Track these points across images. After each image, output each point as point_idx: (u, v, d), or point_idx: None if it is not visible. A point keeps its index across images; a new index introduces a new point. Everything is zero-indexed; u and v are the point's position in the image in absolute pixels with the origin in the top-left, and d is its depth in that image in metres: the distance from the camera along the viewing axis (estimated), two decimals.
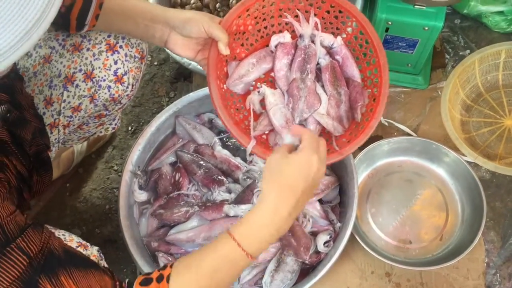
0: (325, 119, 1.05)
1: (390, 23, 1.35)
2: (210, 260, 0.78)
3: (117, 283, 0.77)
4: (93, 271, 0.76)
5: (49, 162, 1.02)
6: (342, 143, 1.04)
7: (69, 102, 1.05)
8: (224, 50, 0.97)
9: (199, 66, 1.43)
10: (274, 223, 0.79)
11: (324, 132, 1.08)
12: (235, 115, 1.04)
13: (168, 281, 0.75)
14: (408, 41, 1.40)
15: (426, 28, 1.32)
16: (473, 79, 1.48)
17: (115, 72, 1.08)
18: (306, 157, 0.80)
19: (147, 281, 0.77)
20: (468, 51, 1.59)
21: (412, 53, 1.45)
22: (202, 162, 1.29)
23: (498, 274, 1.30)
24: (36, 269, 0.70)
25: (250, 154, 1.00)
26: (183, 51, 1.02)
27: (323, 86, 1.08)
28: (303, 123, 1.07)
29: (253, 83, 1.09)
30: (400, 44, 1.42)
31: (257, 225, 0.79)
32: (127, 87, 1.12)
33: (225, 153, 1.32)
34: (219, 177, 1.28)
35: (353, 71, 1.09)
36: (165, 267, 0.79)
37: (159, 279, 0.76)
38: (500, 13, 1.57)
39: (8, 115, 0.86)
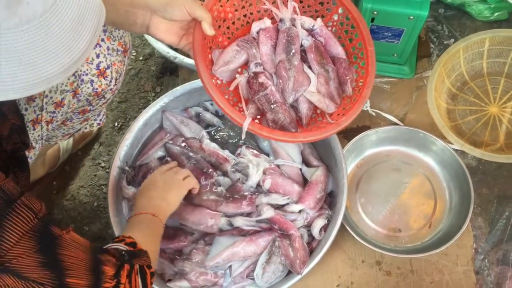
0: (316, 97, 1.06)
1: (375, 12, 1.35)
2: (136, 221, 1.04)
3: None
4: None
5: (25, 162, 1.00)
6: (336, 117, 1.05)
7: (51, 98, 1.03)
8: (209, 30, 0.96)
9: (185, 60, 1.44)
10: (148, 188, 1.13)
11: (316, 112, 1.09)
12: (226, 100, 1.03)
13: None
14: (393, 30, 1.41)
15: (411, 17, 1.32)
16: (458, 68, 1.49)
17: (98, 66, 1.06)
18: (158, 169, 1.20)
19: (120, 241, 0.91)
20: (452, 40, 1.60)
21: (397, 43, 1.45)
22: (191, 154, 1.29)
23: (486, 260, 1.32)
24: (44, 221, 0.74)
25: (246, 133, 0.99)
26: (166, 36, 0.99)
27: (309, 67, 1.08)
28: (294, 104, 1.07)
29: (239, 70, 1.09)
30: (385, 34, 1.43)
31: (144, 201, 1.09)
32: (111, 81, 1.10)
33: (213, 146, 1.32)
34: (208, 169, 1.27)
35: (337, 49, 1.10)
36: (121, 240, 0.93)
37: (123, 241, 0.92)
38: (483, 1, 1.58)
39: None
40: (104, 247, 0.87)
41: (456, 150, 1.34)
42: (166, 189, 1.12)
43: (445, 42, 1.61)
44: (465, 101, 1.50)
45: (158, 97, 1.32)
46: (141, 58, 1.69)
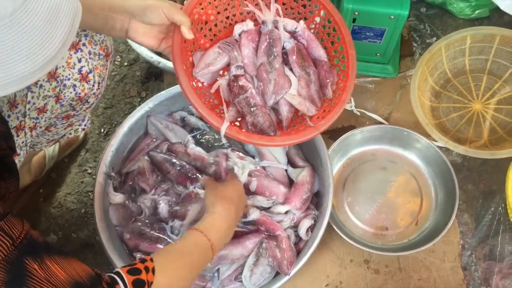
0: (297, 100, 1.06)
1: (356, 13, 1.36)
2: (185, 246, 0.96)
3: (98, 272, 0.79)
4: (74, 259, 0.76)
5: (14, 167, 0.99)
6: (316, 120, 1.05)
7: (34, 103, 1.03)
8: (187, 33, 0.96)
9: (169, 64, 1.44)
10: (225, 219, 1.05)
11: (297, 115, 1.09)
12: (205, 103, 1.03)
13: (154, 273, 0.84)
14: (375, 30, 1.42)
15: (392, 17, 1.34)
16: (441, 66, 1.50)
17: (80, 71, 1.06)
18: (235, 182, 1.19)
19: (135, 271, 0.82)
20: (434, 38, 1.62)
21: (380, 42, 1.46)
22: (175, 160, 1.29)
23: (473, 255, 1.33)
24: (20, 250, 0.69)
25: (225, 137, 0.99)
26: (145, 39, 1.00)
27: (291, 69, 1.09)
28: (275, 106, 1.07)
29: (220, 72, 1.09)
30: (368, 34, 1.44)
31: (213, 221, 1.03)
32: (93, 86, 1.10)
33: (198, 150, 1.32)
34: (194, 174, 1.27)
35: (319, 52, 1.11)
36: (144, 260, 0.85)
37: (147, 270, 0.83)
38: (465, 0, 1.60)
39: None
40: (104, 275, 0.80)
41: (440, 148, 1.35)
42: (240, 207, 1.12)
43: (427, 41, 1.62)
44: (449, 98, 1.51)
45: (143, 102, 1.33)
46: (126, 63, 1.69)
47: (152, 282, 0.82)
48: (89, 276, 0.76)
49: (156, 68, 1.59)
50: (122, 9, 0.95)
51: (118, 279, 0.79)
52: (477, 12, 1.61)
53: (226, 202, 1.07)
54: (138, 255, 1.19)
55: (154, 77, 1.64)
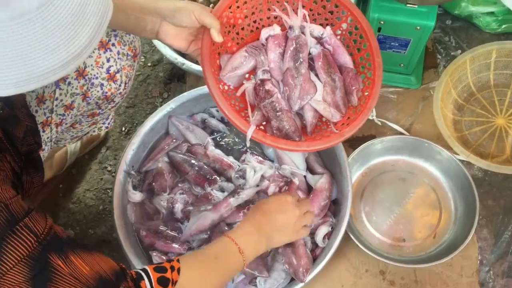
0: (322, 106, 1.06)
1: (382, 22, 1.36)
2: (211, 250, 0.95)
3: (123, 267, 0.80)
4: (98, 254, 0.77)
5: (40, 162, 1.01)
6: (341, 127, 1.05)
7: (61, 100, 1.04)
8: (217, 37, 0.97)
9: (192, 66, 1.45)
10: (256, 228, 1.00)
11: (321, 120, 1.09)
12: (231, 106, 1.04)
13: (179, 273, 0.85)
14: (400, 41, 1.41)
15: (418, 27, 1.33)
16: (465, 79, 1.49)
17: (108, 70, 1.08)
18: (280, 196, 1.09)
19: (161, 269, 0.83)
20: (459, 51, 1.61)
21: (404, 53, 1.46)
22: (194, 161, 1.29)
23: (491, 272, 1.31)
24: (44, 246, 0.71)
25: (250, 140, 1.00)
26: (175, 41, 1.01)
27: (317, 75, 1.09)
28: (300, 111, 1.07)
29: (246, 75, 1.10)
30: (392, 44, 1.43)
31: (244, 230, 1.00)
32: (120, 85, 1.12)
33: (218, 152, 1.32)
34: (212, 176, 1.28)
35: (345, 58, 1.11)
36: (171, 260, 0.87)
37: (172, 269, 0.84)
38: (491, 13, 1.58)
39: (0, 111, 0.86)
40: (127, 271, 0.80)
41: (462, 161, 1.34)
42: (282, 232, 1.04)
43: (452, 53, 1.61)
44: (472, 112, 1.50)
45: (165, 103, 1.34)
46: (149, 64, 1.70)
47: (176, 281, 0.83)
48: (113, 270, 0.77)
49: (179, 70, 1.60)
50: (153, 11, 0.96)
51: (144, 275, 0.80)
52: (503, 26, 1.59)
53: (259, 212, 1.03)
54: (154, 254, 1.20)
55: (176, 79, 1.66)
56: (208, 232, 1.21)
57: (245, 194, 1.21)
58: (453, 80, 1.46)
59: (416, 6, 1.28)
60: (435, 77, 1.57)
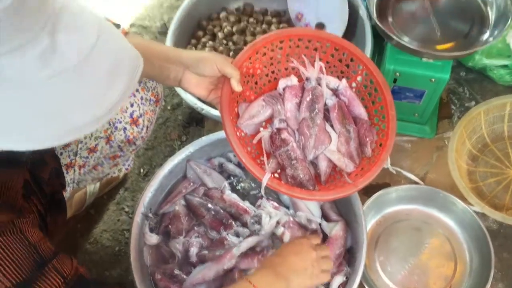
0: (336, 156, 1.08)
1: (398, 74, 1.39)
2: None
3: None
4: None
5: (63, 203, 1.04)
6: (354, 177, 1.07)
7: (85, 143, 1.08)
8: (237, 86, 1.00)
9: (211, 111, 1.49)
10: (273, 273, 1.00)
11: (334, 170, 1.11)
12: (248, 153, 1.06)
13: None
14: (415, 91, 1.44)
15: (433, 79, 1.36)
16: (479, 130, 1.51)
17: (131, 115, 1.12)
18: (296, 239, 1.12)
19: None
20: (473, 102, 1.63)
21: (419, 103, 1.48)
22: (210, 205, 1.31)
23: None
24: (72, 287, 0.73)
25: (265, 187, 1.01)
26: (196, 89, 1.04)
27: (331, 126, 1.12)
28: (314, 161, 1.09)
29: (263, 123, 1.13)
30: (407, 94, 1.46)
31: (261, 273, 1.00)
32: (142, 129, 1.16)
33: (234, 197, 1.34)
34: (228, 220, 1.29)
35: (360, 110, 1.13)
36: None
37: None
38: (505, 66, 1.61)
39: (31, 156, 0.89)
40: None
41: (476, 212, 1.34)
42: (300, 274, 1.02)
43: (466, 104, 1.64)
44: (486, 163, 1.51)
45: (183, 146, 1.37)
46: (169, 107, 1.75)
47: None
48: None
49: (198, 114, 1.64)
50: (178, 61, 1.00)
51: None
52: None
53: (275, 254, 1.06)
54: None
55: (195, 123, 1.69)
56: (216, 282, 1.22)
57: (246, 243, 1.21)
58: (467, 131, 1.48)
59: (431, 60, 1.31)
60: (449, 127, 1.59)
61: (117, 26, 1.03)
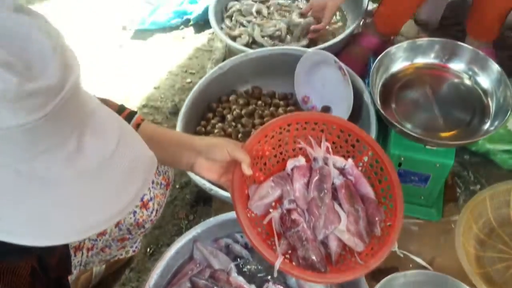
0: (346, 235, 1.08)
1: (402, 158, 1.42)
2: None
3: None
4: None
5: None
6: (364, 257, 1.07)
7: None
8: (247, 170, 1.02)
9: (220, 192, 1.51)
10: None
11: (345, 249, 1.11)
12: (259, 235, 1.07)
13: None
14: (420, 175, 1.47)
15: (438, 164, 1.39)
16: (485, 214, 1.51)
17: (142, 199, 1.14)
18: None
19: None
20: (478, 186, 1.65)
21: (424, 186, 1.50)
22: None
23: None
24: None
25: (278, 271, 1.01)
26: (208, 174, 1.07)
27: (340, 205, 1.13)
28: (324, 240, 1.10)
29: (273, 204, 1.14)
30: (412, 178, 1.49)
31: None
32: (152, 213, 1.17)
33: (240, 279, 1.33)
34: None
35: (367, 189, 1.15)
36: None
37: None
38: (507, 151, 1.64)
39: None
40: None
41: None
42: None
43: (471, 188, 1.65)
44: (494, 248, 1.50)
45: (190, 225, 1.38)
46: (177, 186, 1.77)
47: None
48: None
49: (206, 193, 1.66)
50: (190, 147, 1.04)
51: None
52: None
53: None
54: None
55: (203, 202, 1.71)
56: None
57: None
58: (474, 215, 1.48)
59: (435, 148, 1.35)
60: (455, 211, 1.60)
61: (134, 113, 1.08)
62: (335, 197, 1.15)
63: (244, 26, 2.09)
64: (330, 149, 1.17)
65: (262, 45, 2.00)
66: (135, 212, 1.14)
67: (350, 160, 1.18)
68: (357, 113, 1.68)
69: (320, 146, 1.17)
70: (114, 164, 0.63)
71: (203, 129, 1.72)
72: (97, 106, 0.65)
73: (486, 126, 1.32)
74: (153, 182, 1.16)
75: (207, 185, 1.54)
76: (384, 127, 1.61)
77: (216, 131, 1.68)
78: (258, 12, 2.15)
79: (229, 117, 1.73)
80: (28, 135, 0.54)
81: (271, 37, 2.05)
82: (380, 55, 1.43)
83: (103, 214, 0.63)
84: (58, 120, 0.57)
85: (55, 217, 0.60)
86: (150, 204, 1.16)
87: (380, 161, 1.15)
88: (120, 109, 1.06)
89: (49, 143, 0.57)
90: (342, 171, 1.18)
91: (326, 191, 1.12)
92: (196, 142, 1.05)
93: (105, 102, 1.05)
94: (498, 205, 1.51)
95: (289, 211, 1.11)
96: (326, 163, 1.16)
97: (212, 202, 1.67)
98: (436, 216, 1.59)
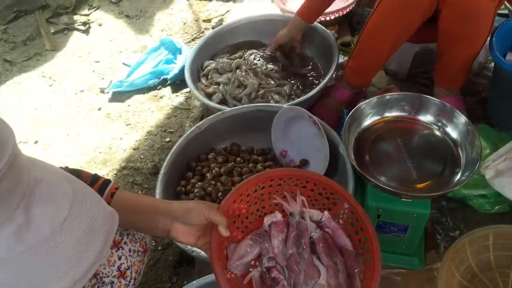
0: None
1: (380, 210, 1.44)
2: None
3: None
4: None
5: None
6: None
7: None
8: (224, 232, 1.04)
9: (202, 253, 1.50)
10: None
11: None
12: None
13: None
14: (399, 226, 1.48)
15: (415, 215, 1.41)
16: (466, 261, 1.52)
17: (119, 268, 1.13)
18: None
19: None
20: (457, 232, 1.67)
21: (404, 236, 1.52)
22: None
23: None
24: None
25: None
26: (185, 238, 1.08)
27: (318, 258, 1.14)
28: None
29: (252, 262, 1.15)
30: (392, 228, 1.50)
31: None
32: (130, 281, 1.16)
33: None
34: None
35: (344, 241, 1.17)
36: None
37: None
38: (483, 196, 1.68)
39: None
40: None
41: None
42: None
43: (451, 234, 1.67)
44: None
45: None
46: (159, 247, 1.76)
47: None
48: None
49: (189, 254, 1.65)
50: (166, 212, 1.05)
51: None
52: (496, 207, 1.67)
53: None
54: None
55: (186, 263, 1.70)
56: None
57: None
58: (455, 263, 1.49)
59: (410, 200, 1.37)
60: (437, 258, 1.61)
61: (108, 182, 1.09)
62: (313, 250, 1.16)
63: (218, 84, 2.13)
64: (306, 203, 1.19)
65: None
66: (112, 282, 1.13)
67: (326, 213, 1.20)
68: (334, 164, 1.71)
69: (295, 200, 1.19)
70: (67, 230, 0.62)
71: (183, 189, 1.73)
72: (46, 173, 0.65)
73: (458, 176, 1.35)
74: (130, 250, 1.16)
75: (189, 246, 1.53)
76: (361, 179, 1.63)
77: (196, 190, 1.69)
78: (238, 67, 2.18)
79: (208, 175, 1.74)
80: None
81: (240, 99, 2.07)
82: (351, 111, 1.48)
83: (64, 281, 0.62)
84: (0, 198, 0.57)
85: None
86: (128, 272, 1.15)
87: (355, 212, 1.17)
88: (94, 179, 1.08)
89: None
90: (319, 224, 1.20)
91: (304, 246, 1.13)
92: (172, 207, 1.06)
93: (78, 172, 1.07)
94: (478, 251, 1.53)
95: (268, 269, 1.12)
96: (303, 217, 1.18)
97: (195, 263, 1.66)
98: (418, 265, 1.60)
